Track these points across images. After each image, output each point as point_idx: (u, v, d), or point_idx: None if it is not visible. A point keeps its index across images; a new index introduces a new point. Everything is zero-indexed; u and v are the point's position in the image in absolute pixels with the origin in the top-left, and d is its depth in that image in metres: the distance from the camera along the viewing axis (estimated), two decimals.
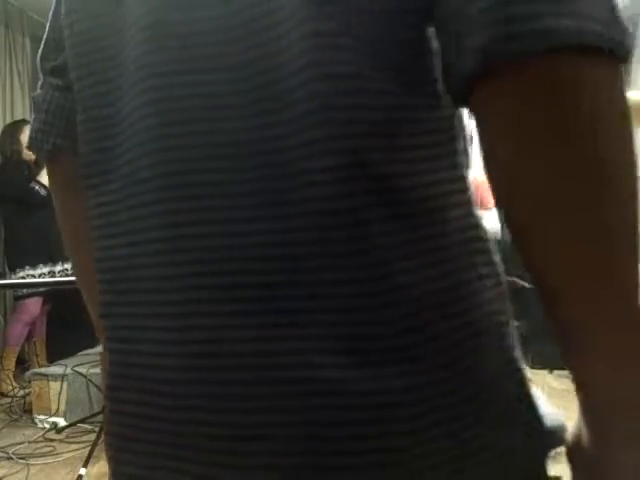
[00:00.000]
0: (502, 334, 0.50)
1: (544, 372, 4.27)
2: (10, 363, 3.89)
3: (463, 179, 0.50)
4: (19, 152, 3.68)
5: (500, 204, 0.43)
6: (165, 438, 0.50)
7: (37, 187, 3.66)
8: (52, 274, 3.79)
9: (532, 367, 4.25)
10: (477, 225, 0.50)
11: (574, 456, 0.51)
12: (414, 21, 0.45)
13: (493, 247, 0.52)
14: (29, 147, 0.71)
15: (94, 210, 0.59)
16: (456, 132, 0.50)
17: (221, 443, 0.47)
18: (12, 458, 2.88)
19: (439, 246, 0.47)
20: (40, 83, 0.70)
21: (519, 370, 0.51)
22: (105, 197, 0.57)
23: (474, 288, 0.48)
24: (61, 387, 3.27)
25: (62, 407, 3.27)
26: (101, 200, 0.57)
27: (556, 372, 4.30)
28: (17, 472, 2.74)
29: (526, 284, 4.94)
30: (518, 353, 0.51)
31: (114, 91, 0.55)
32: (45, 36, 0.68)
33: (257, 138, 0.46)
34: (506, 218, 0.43)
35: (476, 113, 0.42)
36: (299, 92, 0.45)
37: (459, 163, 0.50)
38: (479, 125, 0.43)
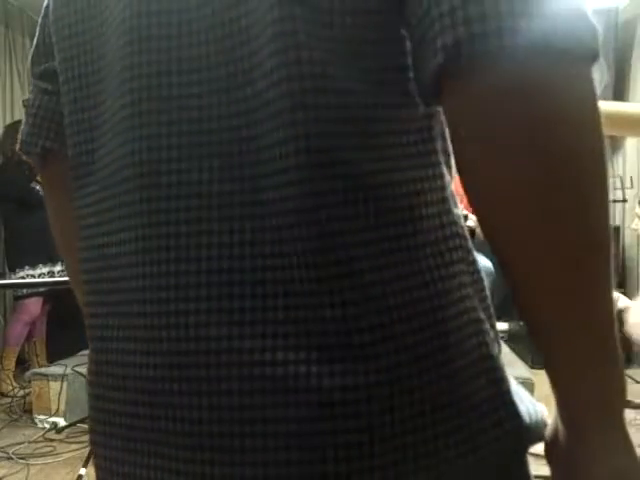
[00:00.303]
0: (478, 331, 0.50)
1: (543, 372, 4.28)
2: (10, 363, 3.90)
3: (440, 177, 0.50)
4: (20, 152, 3.68)
5: (471, 203, 0.43)
6: (141, 435, 0.51)
7: (38, 187, 3.67)
8: (52, 274, 3.80)
9: (532, 367, 4.26)
10: (453, 222, 0.50)
11: (551, 452, 0.51)
12: (381, 21, 0.46)
13: (471, 244, 0.52)
14: (20, 150, 0.72)
15: (79, 211, 0.60)
16: (434, 131, 0.50)
17: (192, 439, 0.47)
18: (12, 458, 2.88)
19: (409, 245, 0.47)
20: (31, 87, 0.71)
21: (495, 368, 0.50)
22: (89, 198, 0.58)
23: (445, 286, 0.48)
24: (61, 387, 3.28)
25: (62, 407, 3.28)
26: (85, 202, 0.59)
27: None
28: (17, 472, 2.74)
29: None
30: (496, 350, 0.51)
31: (96, 95, 0.57)
32: (35, 40, 0.69)
33: (233, 139, 0.48)
34: (476, 213, 0.43)
35: (445, 113, 0.43)
36: (271, 92, 0.46)
37: (436, 162, 0.50)
38: (448, 125, 0.44)
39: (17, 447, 2.99)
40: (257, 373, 0.45)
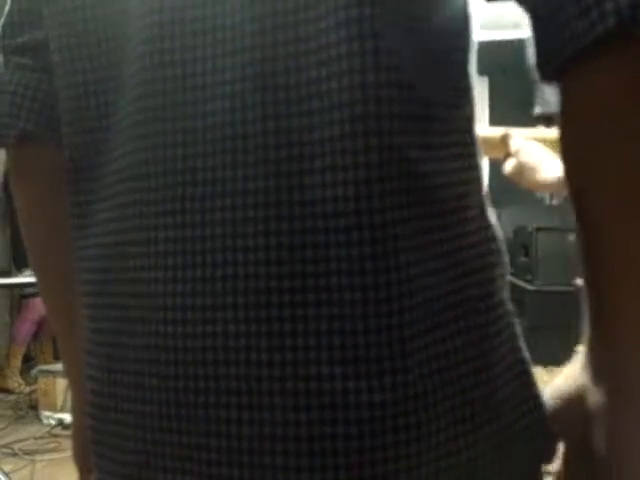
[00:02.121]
0: (512, 335, 0.49)
1: (539, 368, 4.32)
2: (17, 361, 3.91)
3: (479, 180, 0.49)
4: None
5: (571, 187, 0.42)
6: (169, 450, 0.46)
7: None
8: None
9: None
10: (489, 226, 0.49)
11: (567, 418, 0.49)
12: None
13: (503, 246, 0.50)
14: None
15: (79, 208, 0.54)
16: (474, 132, 0.48)
17: (231, 455, 0.43)
18: (18, 454, 2.90)
19: (453, 249, 0.45)
20: (1, 62, 0.60)
21: (527, 372, 0.49)
22: (95, 194, 0.52)
23: (487, 290, 0.47)
24: (67, 384, 3.28)
25: (68, 404, 3.24)
26: (89, 198, 0.53)
27: (550, 368, 4.35)
28: (23, 468, 2.77)
29: (521, 283, 4.99)
30: (526, 353, 0.50)
31: (110, 80, 0.51)
32: (7, 9, 0.59)
33: (269, 130, 0.43)
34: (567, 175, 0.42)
35: (570, 88, 0.40)
36: (333, 82, 0.42)
37: (475, 164, 0.49)
38: (569, 102, 0.40)
39: (23, 443, 3.00)
40: (302, 388, 0.42)
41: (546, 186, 1.14)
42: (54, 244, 0.62)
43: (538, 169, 1.13)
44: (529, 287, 4.57)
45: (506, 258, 0.50)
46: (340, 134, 0.42)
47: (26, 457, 2.88)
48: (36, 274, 0.66)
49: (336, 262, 0.41)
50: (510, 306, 0.49)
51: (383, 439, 0.41)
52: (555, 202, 4.79)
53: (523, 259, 4.69)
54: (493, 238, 0.49)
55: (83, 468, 0.67)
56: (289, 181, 0.42)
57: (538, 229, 4.60)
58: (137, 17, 0.47)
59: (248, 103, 0.43)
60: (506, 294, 0.49)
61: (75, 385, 0.67)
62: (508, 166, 1.14)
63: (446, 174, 0.45)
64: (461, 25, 0.48)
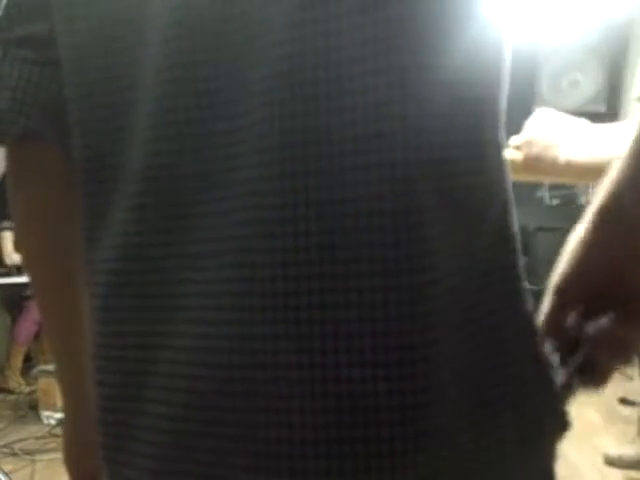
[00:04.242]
0: (531, 332, 0.48)
1: None
2: (17, 361, 3.92)
3: (506, 180, 0.48)
4: None
5: None
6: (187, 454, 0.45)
7: None
8: None
9: None
10: (509, 226, 0.48)
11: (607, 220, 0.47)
12: None
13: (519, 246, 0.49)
14: None
15: (94, 209, 0.51)
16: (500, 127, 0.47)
17: (269, 460, 0.42)
18: (18, 454, 2.91)
19: (477, 248, 0.44)
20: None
21: (543, 369, 0.49)
22: (113, 196, 0.50)
23: (507, 289, 0.47)
24: None
25: None
26: (102, 200, 0.50)
27: None
28: (23, 468, 2.78)
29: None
30: (552, 359, 0.49)
31: (128, 77, 0.48)
32: (6, 1, 0.56)
33: (297, 128, 0.41)
34: None
35: None
36: (369, 79, 0.40)
37: (503, 162, 0.47)
38: None
39: (23, 443, 3.01)
40: (332, 391, 0.40)
41: (575, 171, 0.84)
42: (54, 245, 0.60)
43: (562, 146, 0.84)
44: (530, 287, 4.55)
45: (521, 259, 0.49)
46: (376, 132, 0.40)
47: (26, 457, 2.88)
48: (32, 275, 0.63)
49: (368, 263, 0.40)
50: (530, 305, 0.48)
51: (415, 442, 0.40)
52: (555, 202, 4.79)
53: (523, 259, 4.68)
54: (513, 236, 0.48)
55: (76, 475, 0.67)
56: (318, 180, 0.41)
57: (538, 229, 4.60)
58: (155, 16, 0.46)
59: (276, 100, 0.42)
60: (524, 293, 0.48)
61: (70, 387, 0.66)
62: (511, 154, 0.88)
63: (487, 173, 0.45)
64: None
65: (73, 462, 0.67)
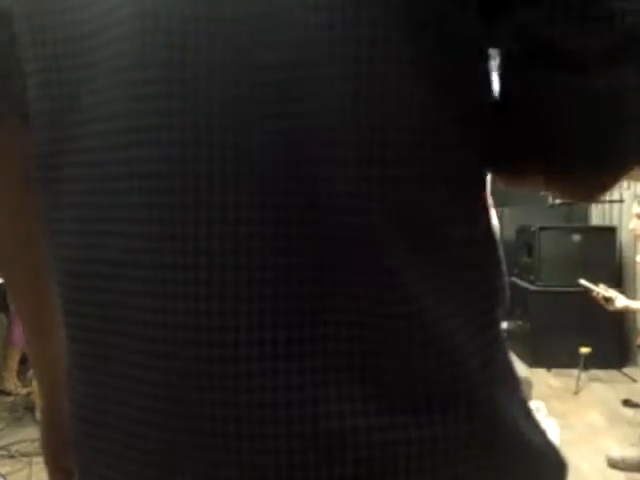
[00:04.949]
0: (509, 364, 0.47)
1: (542, 370, 4.29)
2: (13, 362, 3.90)
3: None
4: None
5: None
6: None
7: None
8: None
9: (530, 366, 4.26)
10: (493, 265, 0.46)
11: None
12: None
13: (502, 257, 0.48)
14: None
15: (58, 212, 0.46)
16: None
17: None
18: (15, 456, 2.90)
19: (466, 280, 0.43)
20: None
21: (525, 405, 0.47)
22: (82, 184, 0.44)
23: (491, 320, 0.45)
24: None
25: None
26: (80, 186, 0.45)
27: (554, 370, 4.32)
28: (20, 470, 2.76)
29: (524, 284, 4.95)
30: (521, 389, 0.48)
31: (86, 53, 0.43)
32: None
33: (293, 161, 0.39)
34: None
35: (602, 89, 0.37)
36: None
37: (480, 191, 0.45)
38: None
39: (20, 445, 2.99)
40: (309, 430, 0.39)
41: None
42: (16, 237, 0.58)
43: None
44: (532, 287, 4.55)
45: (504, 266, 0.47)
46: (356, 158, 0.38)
47: (23, 459, 2.86)
48: (2, 267, 0.61)
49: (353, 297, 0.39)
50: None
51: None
52: (558, 201, 4.77)
53: (526, 259, 4.67)
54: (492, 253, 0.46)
55: (54, 467, 0.67)
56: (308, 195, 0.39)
57: (541, 228, 4.58)
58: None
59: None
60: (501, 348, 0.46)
61: (48, 385, 0.66)
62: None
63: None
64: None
65: (51, 456, 0.68)
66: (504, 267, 0.45)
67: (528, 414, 0.46)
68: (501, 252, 0.47)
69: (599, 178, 0.42)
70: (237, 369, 0.39)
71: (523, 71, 0.39)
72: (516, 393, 0.46)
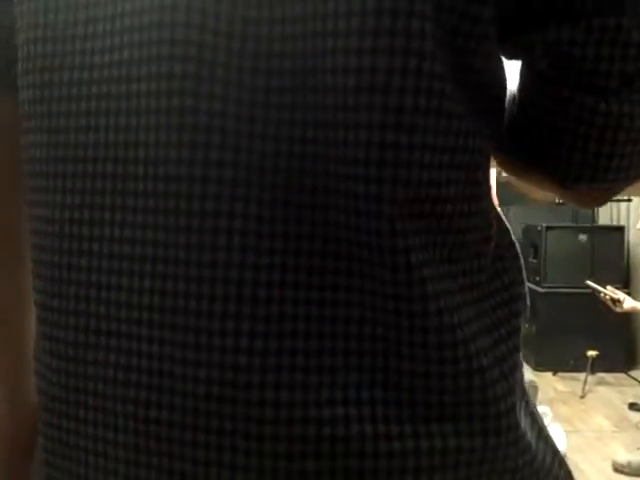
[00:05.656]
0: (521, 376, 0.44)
1: (548, 374, 4.27)
2: None
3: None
4: None
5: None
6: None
7: None
8: None
9: (535, 369, 4.24)
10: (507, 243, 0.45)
11: None
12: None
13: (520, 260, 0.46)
14: None
15: (49, 210, 0.43)
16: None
17: None
18: None
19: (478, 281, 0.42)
20: None
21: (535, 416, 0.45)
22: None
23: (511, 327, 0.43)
24: None
25: None
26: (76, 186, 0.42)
27: (560, 374, 4.30)
28: None
29: (531, 285, 4.91)
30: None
31: (104, 37, 0.40)
32: None
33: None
34: None
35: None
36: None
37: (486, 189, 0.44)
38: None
39: None
40: (312, 433, 0.37)
41: None
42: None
43: None
44: (538, 289, 4.50)
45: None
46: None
47: None
48: None
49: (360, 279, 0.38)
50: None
51: None
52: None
53: (532, 260, 4.62)
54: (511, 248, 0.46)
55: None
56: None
57: (548, 228, 4.54)
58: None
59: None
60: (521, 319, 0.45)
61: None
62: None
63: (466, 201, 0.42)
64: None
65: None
66: (525, 274, 0.44)
67: (534, 422, 0.44)
68: (522, 259, 0.46)
69: (610, 191, 0.44)
70: (235, 360, 0.37)
71: (546, 85, 0.41)
72: (527, 403, 0.44)
